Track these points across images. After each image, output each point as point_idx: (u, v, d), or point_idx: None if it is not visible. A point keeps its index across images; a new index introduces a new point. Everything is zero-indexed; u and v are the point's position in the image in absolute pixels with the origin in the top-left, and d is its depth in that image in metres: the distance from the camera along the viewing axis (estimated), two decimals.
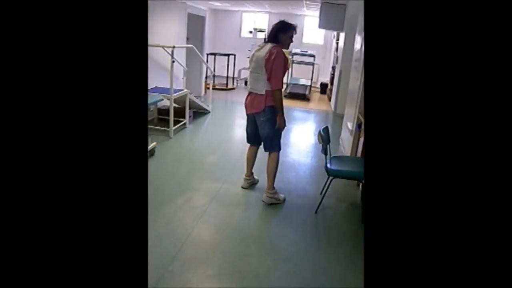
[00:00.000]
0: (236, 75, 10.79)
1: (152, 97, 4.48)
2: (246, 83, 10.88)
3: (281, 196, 3.38)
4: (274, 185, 3.33)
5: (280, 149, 3.30)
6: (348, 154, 4.46)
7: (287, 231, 2.89)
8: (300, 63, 10.43)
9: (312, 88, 10.37)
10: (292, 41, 3.17)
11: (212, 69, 8.83)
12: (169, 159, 4.35)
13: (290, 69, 10.66)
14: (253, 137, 3.39)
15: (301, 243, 2.74)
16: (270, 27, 3.16)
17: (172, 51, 4.94)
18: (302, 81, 10.57)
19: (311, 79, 10.24)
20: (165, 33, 6.10)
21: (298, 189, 3.76)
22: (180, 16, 6.77)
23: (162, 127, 5.32)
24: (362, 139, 3.87)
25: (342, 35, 7.69)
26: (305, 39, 12.14)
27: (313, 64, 10.18)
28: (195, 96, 6.52)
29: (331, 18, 7.22)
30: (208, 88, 8.16)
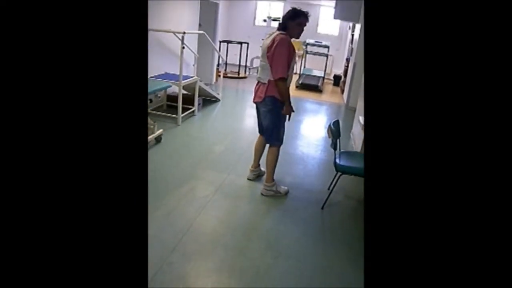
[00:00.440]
0: (248, 64, 10.66)
1: (160, 84, 4.41)
2: (258, 71, 10.80)
3: (283, 188, 3.30)
4: (279, 178, 3.24)
5: (280, 142, 3.19)
6: (359, 149, 4.35)
7: (291, 227, 2.81)
8: (314, 54, 10.24)
9: (325, 80, 10.20)
10: (302, 30, 2.97)
11: (224, 57, 8.73)
12: (175, 147, 4.29)
13: (303, 60, 10.49)
14: (261, 126, 3.30)
15: (305, 240, 2.65)
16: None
17: (183, 37, 4.84)
18: (315, 72, 10.38)
19: (325, 71, 10.06)
20: (176, 18, 5.99)
21: (306, 183, 3.66)
22: (192, 2, 6.64)
23: (170, 114, 5.25)
24: None
25: (357, 27, 7.50)
26: (320, 30, 11.92)
27: (327, 55, 9.98)
28: (206, 84, 6.44)
29: (347, 9, 7.05)
30: (220, 75, 8.07)
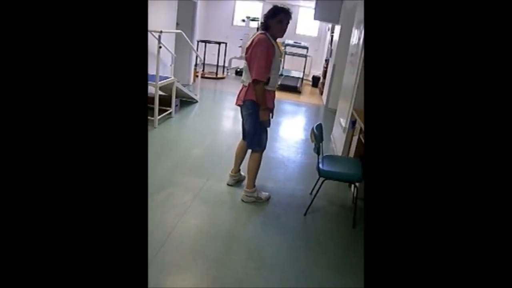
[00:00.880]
0: (226, 64, 10.52)
1: None
2: (236, 72, 10.65)
3: (264, 194, 3.19)
4: (260, 183, 3.13)
5: (262, 148, 3.07)
6: (340, 152, 4.29)
7: (273, 235, 2.71)
8: (293, 54, 10.20)
9: (304, 81, 10.18)
10: (284, 27, 2.82)
11: (202, 57, 8.57)
12: (152, 151, 4.11)
13: (282, 61, 10.44)
14: (244, 131, 3.18)
15: (289, 249, 2.56)
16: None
17: (159, 36, 4.67)
18: (294, 73, 10.35)
19: (304, 72, 10.03)
20: (153, 17, 5.80)
21: (287, 188, 3.57)
22: (170, 1, 6.46)
23: None
24: (355, 138, 3.69)
25: (337, 28, 7.49)
26: (299, 31, 11.90)
27: (306, 56, 9.97)
28: (183, 84, 6.27)
29: (327, 10, 7.01)
30: (197, 76, 7.90)
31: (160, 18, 6.11)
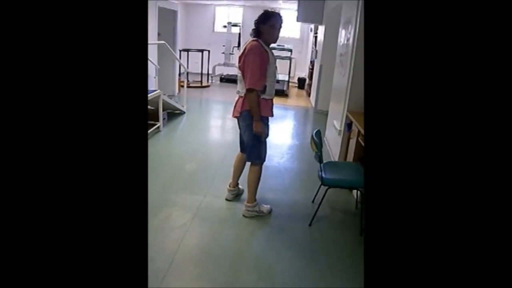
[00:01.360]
0: (210, 72, 10.38)
1: None
2: (221, 79, 10.50)
3: (265, 207, 3.06)
4: (260, 196, 3.01)
5: (262, 160, 2.95)
6: (336, 156, 4.20)
7: (281, 250, 2.58)
8: (277, 57, 10.10)
9: (290, 83, 10.10)
10: (277, 32, 2.74)
11: (186, 66, 8.41)
12: None
13: None
14: (242, 143, 3.06)
15: (298, 263, 2.43)
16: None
17: None
18: (280, 77, 10.26)
19: (289, 74, 9.96)
20: None
21: (287, 198, 3.45)
22: (150, 11, 6.31)
23: None
24: (353, 141, 3.59)
25: (321, 28, 7.43)
26: (282, 33, 11.82)
27: (290, 58, 9.89)
28: (169, 96, 6.12)
29: (310, 11, 6.96)
30: (182, 86, 7.75)
31: None
